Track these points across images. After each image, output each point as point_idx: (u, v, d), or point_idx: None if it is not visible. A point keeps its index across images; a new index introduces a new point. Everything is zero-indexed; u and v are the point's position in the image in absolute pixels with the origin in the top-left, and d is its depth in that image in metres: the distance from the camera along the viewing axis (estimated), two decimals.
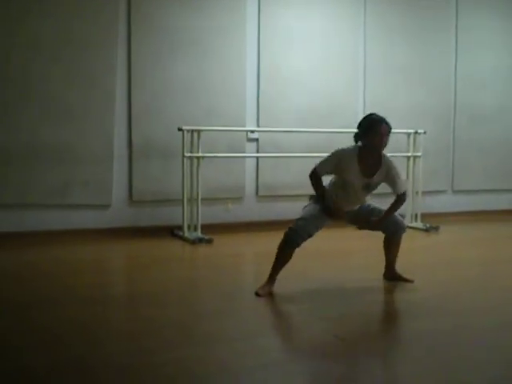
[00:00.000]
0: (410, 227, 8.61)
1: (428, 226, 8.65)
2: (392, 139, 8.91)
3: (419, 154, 8.85)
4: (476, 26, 9.91)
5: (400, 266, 5.75)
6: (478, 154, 9.78)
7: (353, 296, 5.34)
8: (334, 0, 8.93)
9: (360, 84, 9.14)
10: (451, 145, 9.75)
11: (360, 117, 8.95)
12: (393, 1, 9.29)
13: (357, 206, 5.49)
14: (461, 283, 5.83)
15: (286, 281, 5.48)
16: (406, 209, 8.87)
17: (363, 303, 5.15)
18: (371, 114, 5.36)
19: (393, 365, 3.96)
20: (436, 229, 8.62)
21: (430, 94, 9.61)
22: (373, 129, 5.17)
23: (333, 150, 5.31)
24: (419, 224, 8.79)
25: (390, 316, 5.13)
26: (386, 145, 5.23)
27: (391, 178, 5.34)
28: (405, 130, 8.82)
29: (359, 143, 5.30)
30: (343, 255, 7.19)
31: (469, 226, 9.32)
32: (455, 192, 9.91)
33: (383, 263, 5.72)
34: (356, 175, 5.24)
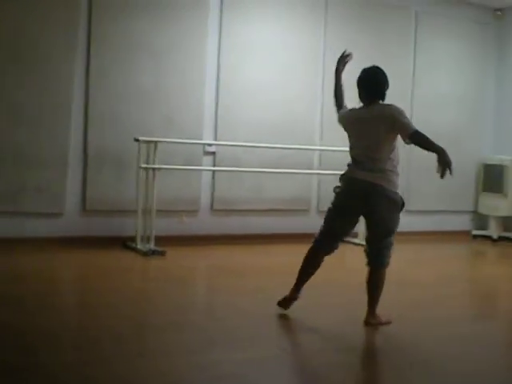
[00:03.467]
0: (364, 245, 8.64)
1: None
2: (348, 156, 9.02)
3: None
4: (434, 47, 10.04)
5: (352, 286, 5.75)
6: (431, 174, 9.84)
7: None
8: (295, 15, 8.98)
9: (318, 101, 9.18)
10: (405, 165, 9.84)
11: (317, 134, 9.16)
12: (353, 18, 9.37)
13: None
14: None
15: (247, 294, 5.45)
16: (360, 227, 8.93)
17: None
18: (379, 67, 5.32)
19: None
20: None
21: None
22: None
23: (399, 109, 5.11)
24: None
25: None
26: None
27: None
28: None
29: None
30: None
31: (419, 246, 9.41)
32: (408, 212, 9.98)
33: None
34: None
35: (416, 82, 9.98)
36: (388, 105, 5.00)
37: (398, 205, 4.83)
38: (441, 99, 10.10)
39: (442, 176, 4.62)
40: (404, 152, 9.81)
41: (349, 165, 5.13)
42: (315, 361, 4.19)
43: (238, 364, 4.03)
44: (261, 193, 8.80)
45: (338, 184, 5.27)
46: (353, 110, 5.25)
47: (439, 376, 4.03)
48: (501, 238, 10.07)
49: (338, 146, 8.84)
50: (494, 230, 10.16)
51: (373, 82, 5.12)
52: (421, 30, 9.96)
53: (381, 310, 4.99)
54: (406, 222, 9.80)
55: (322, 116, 9.20)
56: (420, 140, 4.75)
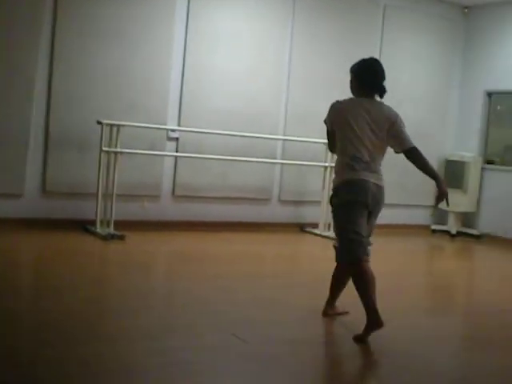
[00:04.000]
0: (324, 236, 8.73)
1: None
2: (310, 148, 9.07)
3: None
4: (401, 41, 10.10)
5: (311, 272, 5.78)
6: (393, 168, 9.93)
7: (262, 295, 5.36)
8: (264, 4, 8.96)
9: (283, 91, 9.19)
10: None
11: (280, 124, 9.17)
12: (321, 10, 9.37)
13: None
14: None
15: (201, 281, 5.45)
16: (320, 217, 8.99)
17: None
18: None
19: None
20: None
21: None
22: None
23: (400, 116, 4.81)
24: (332, 233, 8.86)
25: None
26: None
27: None
28: (324, 140, 8.90)
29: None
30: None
31: (378, 239, 9.47)
32: None
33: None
34: None
35: None
36: (390, 107, 4.83)
37: None
38: (405, 94, 10.14)
39: (437, 205, 4.72)
40: None
41: (348, 165, 4.58)
42: (272, 350, 4.20)
43: (194, 351, 4.03)
44: (224, 180, 8.79)
45: (341, 191, 4.64)
46: (352, 101, 4.78)
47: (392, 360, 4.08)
48: (459, 233, 10.20)
49: (301, 136, 8.92)
50: (452, 225, 10.28)
51: (380, 75, 4.99)
52: (388, 23, 9.99)
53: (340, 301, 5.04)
54: None
55: (286, 106, 9.20)
56: (418, 158, 4.56)
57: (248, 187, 8.97)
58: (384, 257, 8.13)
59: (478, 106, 10.53)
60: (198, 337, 4.32)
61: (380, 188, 4.60)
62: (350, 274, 4.68)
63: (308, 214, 9.35)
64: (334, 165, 8.50)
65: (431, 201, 10.57)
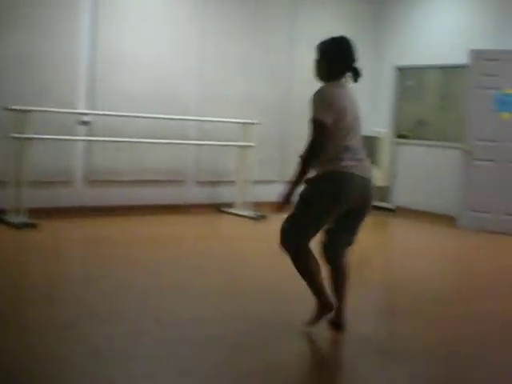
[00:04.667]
0: (241, 215, 8.76)
1: (257, 214, 8.79)
2: (225, 128, 9.06)
3: (252, 144, 8.97)
4: (312, 20, 10.14)
5: (233, 253, 5.79)
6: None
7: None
8: None
9: (196, 72, 9.12)
10: (283, 135, 9.97)
11: (194, 106, 9.12)
12: None
13: None
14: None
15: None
16: (236, 197, 9.00)
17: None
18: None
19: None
20: (264, 217, 8.77)
21: (265, 85, 9.74)
22: None
23: None
24: (249, 212, 8.90)
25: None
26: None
27: None
28: (238, 120, 8.93)
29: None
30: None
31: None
32: (284, 182, 10.11)
33: None
34: None
35: (295, 56, 10.06)
36: None
37: None
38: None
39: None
40: (281, 124, 9.98)
41: (345, 159, 4.07)
42: (192, 334, 4.20)
43: (119, 337, 4.01)
44: (139, 164, 8.69)
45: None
46: (335, 86, 4.18)
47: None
48: (374, 207, 10.34)
49: (216, 117, 8.90)
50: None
51: (354, 54, 4.30)
52: (300, 4, 10.01)
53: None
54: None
55: (199, 87, 9.13)
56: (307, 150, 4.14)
57: (164, 169, 8.89)
58: None
59: (389, 82, 10.71)
60: (123, 322, 4.28)
61: (370, 180, 4.23)
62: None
63: (225, 193, 9.35)
64: (249, 144, 8.55)
65: None
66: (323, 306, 4.28)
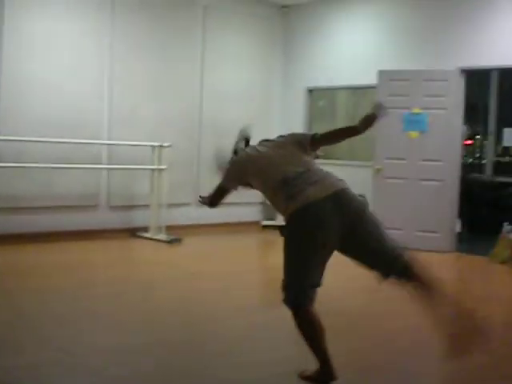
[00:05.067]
0: (155, 239, 8.65)
1: (171, 238, 8.69)
2: (137, 151, 8.95)
3: (164, 166, 8.86)
4: (222, 41, 10.16)
5: (142, 278, 5.65)
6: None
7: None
8: (82, 7, 8.69)
9: (105, 94, 8.97)
10: (196, 157, 9.91)
11: (105, 129, 8.95)
12: (141, 11, 9.23)
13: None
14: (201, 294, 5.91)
15: None
16: (149, 221, 8.88)
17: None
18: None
19: None
20: (179, 241, 8.68)
21: (177, 107, 9.68)
22: None
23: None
24: (163, 236, 8.79)
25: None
26: None
27: None
28: (150, 143, 8.82)
29: None
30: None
31: (211, 238, 9.52)
32: (199, 204, 10.04)
33: None
34: None
35: (204, 79, 10.03)
36: None
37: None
38: (229, 94, 10.24)
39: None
40: (195, 145, 9.90)
41: (292, 197, 3.73)
42: (99, 360, 4.07)
43: (23, 370, 3.85)
44: (48, 189, 8.46)
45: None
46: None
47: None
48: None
49: (127, 140, 8.78)
50: (281, 220, 10.44)
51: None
52: (209, 24, 10.00)
53: None
54: (197, 214, 9.95)
55: (109, 110, 8.99)
56: None
57: (74, 194, 8.69)
58: (213, 256, 8.18)
59: (300, 103, 10.81)
60: (16, 355, 4.11)
61: (332, 197, 3.66)
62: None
63: (138, 218, 9.20)
64: (161, 167, 8.43)
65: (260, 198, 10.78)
66: (323, 376, 3.78)
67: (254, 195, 10.28)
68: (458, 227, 9.17)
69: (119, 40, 9.06)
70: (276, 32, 10.92)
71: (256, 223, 10.61)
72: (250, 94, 10.59)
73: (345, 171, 10.12)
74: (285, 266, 3.71)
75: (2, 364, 3.93)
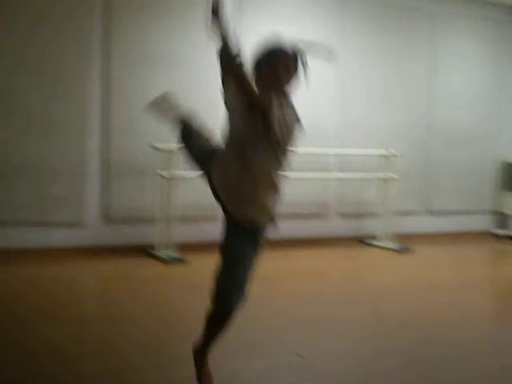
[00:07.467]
0: (384, 248, 8.63)
1: (402, 246, 8.62)
2: (366, 160, 8.96)
3: (396, 176, 8.81)
4: (451, 46, 9.99)
5: (375, 287, 5.65)
6: (452, 175, 9.81)
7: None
8: (310, 12, 8.95)
9: (337, 105, 9.12)
10: (426, 167, 9.78)
11: (335, 137, 9.04)
12: (370, 19, 9.31)
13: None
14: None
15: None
16: (379, 229, 8.87)
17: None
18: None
19: None
20: (409, 250, 8.59)
21: (406, 116, 9.63)
22: None
23: None
24: (393, 244, 8.74)
25: None
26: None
27: None
28: (381, 152, 8.80)
29: None
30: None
31: (443, 248, 9.31)
32: (430, 213, 9.90)
33: None
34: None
35: (436, 83, 9.91)
36: None
37: None
38: (459, 100, 10.03)
39: None
40: (425, 155, 9.78)
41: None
42: (331, 365, 4.14)
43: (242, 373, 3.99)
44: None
45: None
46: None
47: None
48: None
49: (356, 148, 8.82)
50: None
51: (296, 64, 3.49)
52: (437, 31, 9.86)
53: None
54: (428, 222, 9.80)
55: (341, 121, 9.11)
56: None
57: (306, 203, 8.89)
58: (446, 266, 8.00)
59: None
60: (263, 358, 4.28)
61: None
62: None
63: (367, 226, 9.24)
64: (393, 176, 8.31)
65: (490, 205, 10.38)
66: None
67: (483, 203, 10.08)
68: None
69: (349, 52, 9.15)
70: (506, 33, 10.51)
71: (486, 233, 10.28)
72: (479, 99, 10.29)
73: None
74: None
75: (239, 366, 4.09)
